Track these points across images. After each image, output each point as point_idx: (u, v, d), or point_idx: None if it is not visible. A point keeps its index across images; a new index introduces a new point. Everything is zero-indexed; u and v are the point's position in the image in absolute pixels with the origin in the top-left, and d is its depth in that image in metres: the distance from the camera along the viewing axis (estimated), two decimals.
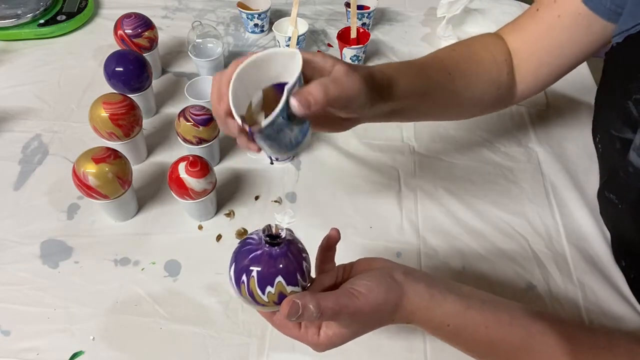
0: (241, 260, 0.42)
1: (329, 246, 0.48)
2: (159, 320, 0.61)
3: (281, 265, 0.42)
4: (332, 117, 0.51)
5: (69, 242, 0.68)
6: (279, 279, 0.41)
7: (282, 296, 0.42)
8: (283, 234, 0.43)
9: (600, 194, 0.69)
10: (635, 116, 0.53)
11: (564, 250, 0.69)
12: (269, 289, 0.41)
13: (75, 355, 0.58)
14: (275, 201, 0.73)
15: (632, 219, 0.60)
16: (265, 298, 0.42)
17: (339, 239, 0.48)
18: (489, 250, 0.68)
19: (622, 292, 0.64)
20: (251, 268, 0.41)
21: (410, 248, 0.68)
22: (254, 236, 0.43)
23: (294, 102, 0.41)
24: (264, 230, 0.43)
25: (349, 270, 0.48)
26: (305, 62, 0.44)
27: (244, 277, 0.42)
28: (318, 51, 0.46)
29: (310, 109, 0.42)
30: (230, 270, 0.43)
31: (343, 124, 0.53)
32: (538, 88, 0.64)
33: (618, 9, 0.53)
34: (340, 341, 0.44)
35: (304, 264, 0.43)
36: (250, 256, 0.42)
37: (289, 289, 0.42)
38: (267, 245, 0.42)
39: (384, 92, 0.51)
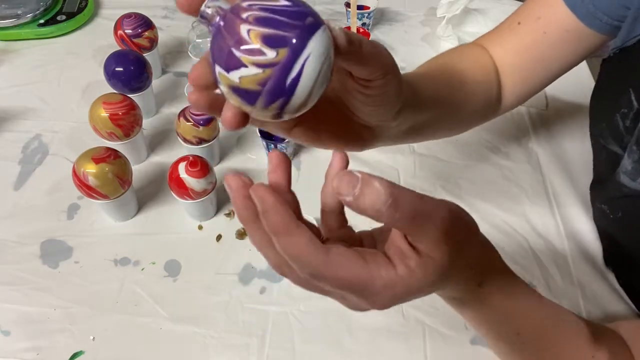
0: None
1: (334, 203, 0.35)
2: (159, 320, 0.61)
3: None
4: (352, 126, 0.41)
5: (69, 242, 0.68)
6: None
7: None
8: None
9: (592, 202, 0.69)
10: (622, 130, 0.52)
11: (564, 250, 0.69)
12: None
13: (75, 355, 0.58)
14: None
15: (624, 230, 0.59)
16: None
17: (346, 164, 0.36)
18: None
19: (620, 293, 0.64)
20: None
21: None
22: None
23: (337, 31, 0.28)
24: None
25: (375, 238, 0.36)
26: None
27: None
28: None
29: (353, 45, 0.29)
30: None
31: (362, 138, 0.43)
32: (521, 100, 0.62)
33: (615, 22, 0.51)
34: (422, 282, 0.31)
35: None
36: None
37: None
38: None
39: (410, 99, 0.42)
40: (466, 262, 0.35)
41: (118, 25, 0.84)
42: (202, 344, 0.59)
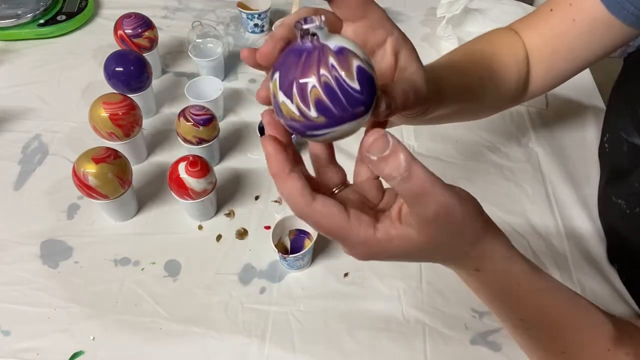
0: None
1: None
2: (159, 320, 0.61)
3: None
4: None
5: (69, 242, 0.68)
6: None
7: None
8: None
9: (605, 197, 0.68)
10: None
11: (564, 250, 0.69)
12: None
13: (75, 355, 0.58)
14: (276, 201, 0.73)
15: (638, 225, 0.59)
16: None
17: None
18: None
19: (621, 293, 0.64)
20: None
21: None
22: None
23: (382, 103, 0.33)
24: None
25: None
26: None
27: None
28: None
29: (392, 114, 0.34)
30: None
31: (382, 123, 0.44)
32: (545, 89, 0.62)
33: None
34: (396, 251, 0.34)
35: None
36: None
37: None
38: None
39: (434, 97, 0.45)
40: (460, 249, 0.37)
41: (118, 25, 0.84)
42: (202, 344, 0.59)
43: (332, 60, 0.30)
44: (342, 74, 0.30)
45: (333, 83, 0.30)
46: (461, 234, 0.35)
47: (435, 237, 0.33)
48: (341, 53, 0.30)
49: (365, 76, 0.31)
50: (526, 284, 0.39)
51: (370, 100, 0.31)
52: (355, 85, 0.30)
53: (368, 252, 0.34)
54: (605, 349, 0.41)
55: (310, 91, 0.30)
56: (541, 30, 0.58)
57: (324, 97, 0.30)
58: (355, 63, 0.30)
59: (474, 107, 0.56)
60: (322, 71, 0.30)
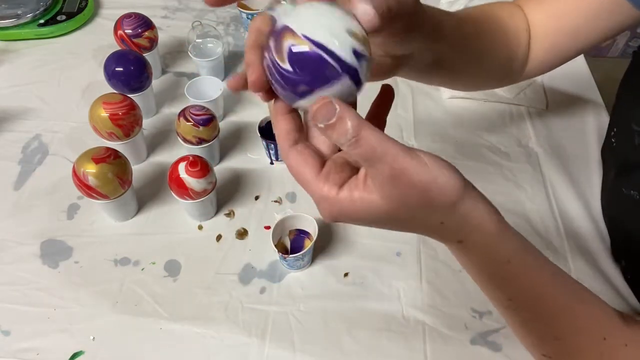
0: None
1: (382, 102, 0.38)
2: (159, 320, 0.61)
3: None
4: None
5: (69, 242, 0.68)
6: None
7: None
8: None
9: (612, 191, 0.67)
10: None
11: (564, 250, 0.69)
12: None
13: (75, 355, 0.58)
14: (275, 201, 0.73)
15: None
16: None
17: (393, 96, 0.38)
18: None
19: (621, 293, 0.64)
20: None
21: (410, 248, 0.68)
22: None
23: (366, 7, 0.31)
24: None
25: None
26: None
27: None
28: None
29: (382, 15, 0.32)
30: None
31: (384, 68, 0.44)
32: (545, 68, 0.61)
33: None
34: (360, 214, 0.34)
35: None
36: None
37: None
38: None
39: (433, 31, 0.43)
40: (431, 217, 0.34)
41: (118, 25, 0.84)
42: (202, 344, 0.59)
43: (271, 42, 0.31)
44: (275, 55, 0.31)
45: (270, 64, 0.31)
46: (425, 200, 0.33)
47: (398, 202, 0.32)
48: (279, 34, 0.30)
49: (301, 56, 0.29)
50: (517, 261, 0.37)
51: (314, 80, 0.30)
52: (287, 67, 0.30)
53: (331, 210, 0.34)
54: (602, 337, 0.41)
55: (265, 71, 0.32)
56: (547, 6, 0.57)
57: (269, 76, 0.32)
58: (288, 43, 0.30)
59: (471, 63, 0.54)
60: (265, 53, 0.32)
